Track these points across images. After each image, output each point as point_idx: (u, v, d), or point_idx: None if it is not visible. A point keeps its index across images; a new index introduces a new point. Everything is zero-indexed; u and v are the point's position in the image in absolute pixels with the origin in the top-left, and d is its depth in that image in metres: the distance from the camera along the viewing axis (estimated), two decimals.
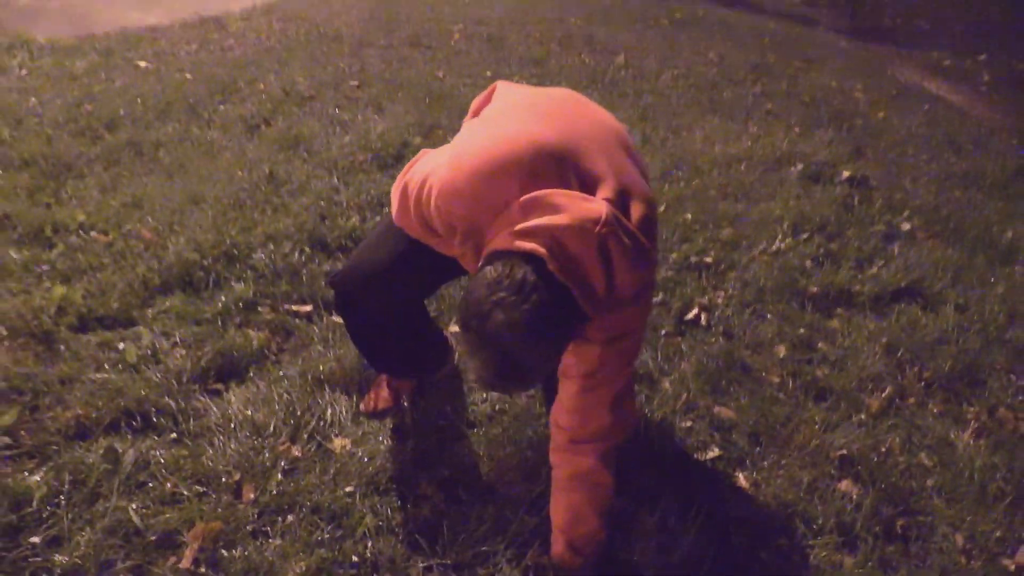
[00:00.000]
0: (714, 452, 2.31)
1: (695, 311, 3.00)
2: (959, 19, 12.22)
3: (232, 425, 2.19)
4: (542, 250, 1.39)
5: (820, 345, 2.93)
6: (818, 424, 2.46)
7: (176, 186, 3.53)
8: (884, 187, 4.55)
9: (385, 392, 2.36)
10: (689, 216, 3.78)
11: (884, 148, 5.33)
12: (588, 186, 1.51)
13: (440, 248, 1.80)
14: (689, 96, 5.96)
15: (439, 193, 1.59)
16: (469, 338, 1.41)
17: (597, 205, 1.45)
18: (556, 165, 1.50)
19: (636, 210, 1.53)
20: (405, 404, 2.34)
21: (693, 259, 3.39)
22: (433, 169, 1.66)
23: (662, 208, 3.82)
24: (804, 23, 10.75)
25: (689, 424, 2.41)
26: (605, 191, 1.51)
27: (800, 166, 4.67)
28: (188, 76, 5.17)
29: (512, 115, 1.68)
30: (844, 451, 2.36)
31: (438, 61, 6.16)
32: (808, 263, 3.48)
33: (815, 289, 3.26)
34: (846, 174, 4.62)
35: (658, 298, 3.05)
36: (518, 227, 1.43)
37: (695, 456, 2.30)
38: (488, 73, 5.86)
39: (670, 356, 2.73)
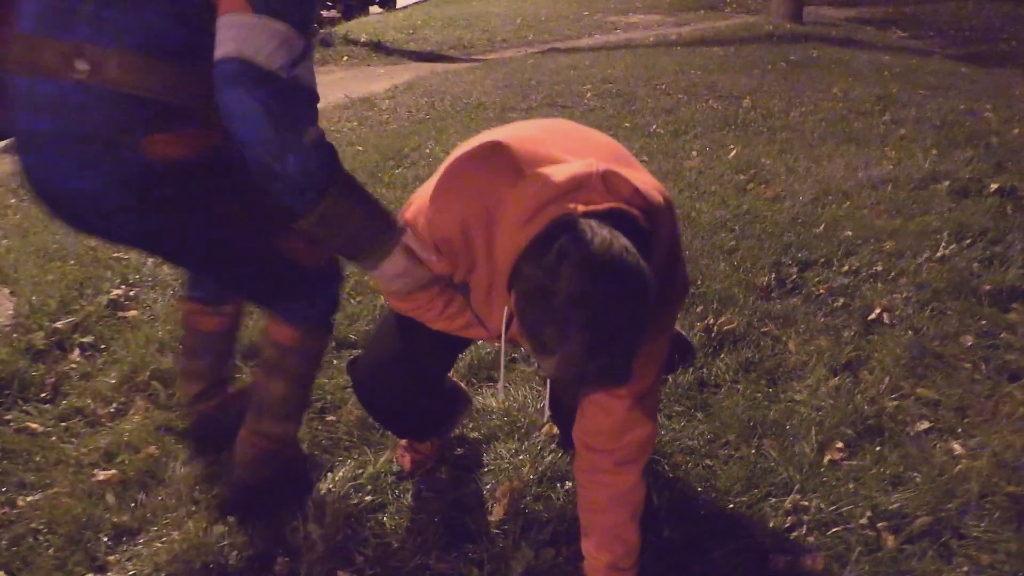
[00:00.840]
0: (924, 424, 2.52)
1: (877, 311, 3.22)
2: None
3: None
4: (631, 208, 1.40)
5: (1002, 335, 3.10)
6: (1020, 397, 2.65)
7: None
8: None
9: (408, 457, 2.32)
10: (849, 233, 4.01)
11: None
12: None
13: (427, 314, 1.77)
14: (822, 129, 6.19)
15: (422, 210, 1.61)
16: (544, 309, 1.27)
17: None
18: (530, 149, 1.53)
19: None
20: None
21: (863, 270, 3.61)
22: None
23: (821, 228, 4.06)
24: (920, 54, 10.82)
25: (896, 404, 2.63)
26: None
27: (946, 183, 4.82)
28: (359, 148, 5.76)
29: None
30: None
31: (576, 118, 6.56)
32: (975, 265, 3.65)
33: (988, 287, 3.43)
34: (994, 186, 4.73)
35: (839, 303, 3.30)
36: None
37: (906, 430, 2.51)
38: (626, 124, 6.28)
39: (863, 348, 2.97)
